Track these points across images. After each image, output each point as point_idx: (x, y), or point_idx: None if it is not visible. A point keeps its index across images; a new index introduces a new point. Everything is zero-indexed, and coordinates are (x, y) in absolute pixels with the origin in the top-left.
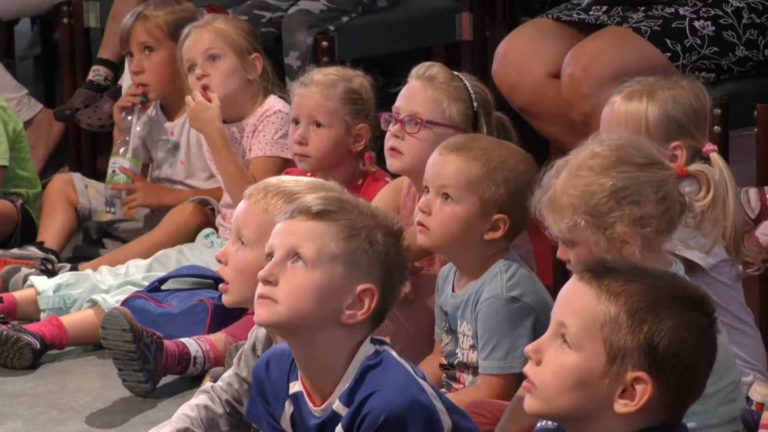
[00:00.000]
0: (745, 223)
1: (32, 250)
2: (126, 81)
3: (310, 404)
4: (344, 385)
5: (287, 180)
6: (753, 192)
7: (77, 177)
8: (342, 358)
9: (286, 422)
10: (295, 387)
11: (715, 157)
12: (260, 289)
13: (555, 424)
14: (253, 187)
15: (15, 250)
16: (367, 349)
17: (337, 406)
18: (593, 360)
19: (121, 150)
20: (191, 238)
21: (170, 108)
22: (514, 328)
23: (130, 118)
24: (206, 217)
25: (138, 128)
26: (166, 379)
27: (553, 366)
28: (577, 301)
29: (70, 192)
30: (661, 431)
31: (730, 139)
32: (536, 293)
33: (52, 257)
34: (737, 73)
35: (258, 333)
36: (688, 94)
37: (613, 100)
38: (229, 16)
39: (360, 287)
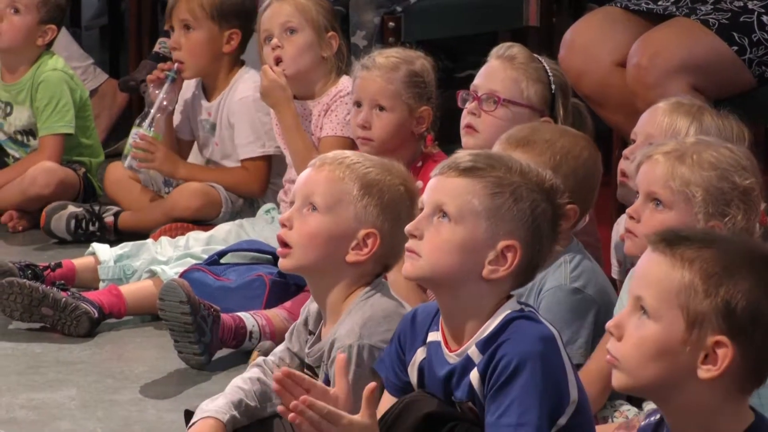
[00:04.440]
0: None
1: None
2: None
3: (446, 350)
4: (483, 333)
5: (357, 155)
6: None
7: None
8: (485, 311)
9: (413, 368)
10: (434, 336)
11: None
12: (407, 242)
13: (656, 418)
14: (326, 156)
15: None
16: (512, 305)
17: (473, 351)
18: (673, 328)
19: (144, 122)
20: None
21: (208, 88)
22: (575, 320)
23: (157, 92)
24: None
25: (165, 102)
26: (221, 353)
27: (634, 339)
28: (652, 272)
29: None
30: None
31: None
32: (599, 285)
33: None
34: None
35: (310, 308)
36: (733, 131)
37: (658, 106)
38: None
39: (503, 243)
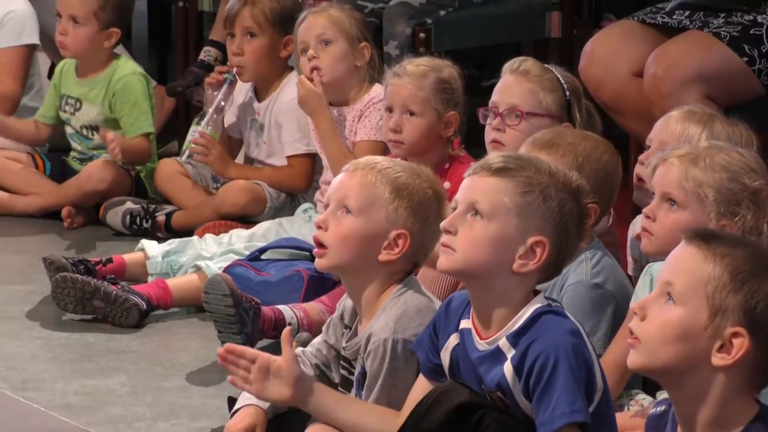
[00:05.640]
0: None
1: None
2: None
3: (476, 338)
4: (513, 326)
5: (387, 160)
6: None
7: None
8: (514, 303)
9: (446, 353)
10: (465, 324)
11: None
12: (442, 238)
13: (662, 408)
14: (358, 162)
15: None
16: (540, 300)
17: (503, 343)
18: (696, 314)
19: (203, 121)
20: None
21: (261, 90)
22: (595, 313)
23: (216, 93)
24: (254, 196)
25: (222, 103)
26: (261, 343)
27: (658, 321)
28: (684, 262)
29: None
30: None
31: None
32: (618, 281)
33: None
34: None
35: (345, 303)
36: (742, 137)
37: (671, 115)
38: (343, 5)
39: (532, 239)
